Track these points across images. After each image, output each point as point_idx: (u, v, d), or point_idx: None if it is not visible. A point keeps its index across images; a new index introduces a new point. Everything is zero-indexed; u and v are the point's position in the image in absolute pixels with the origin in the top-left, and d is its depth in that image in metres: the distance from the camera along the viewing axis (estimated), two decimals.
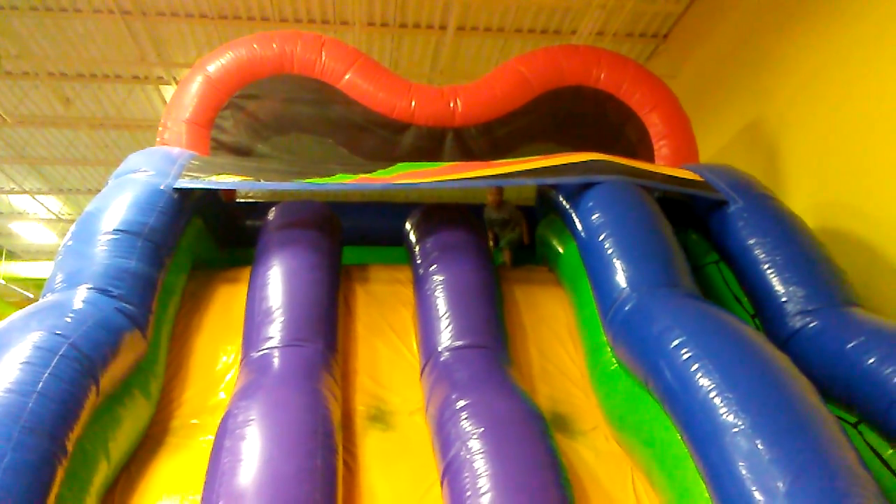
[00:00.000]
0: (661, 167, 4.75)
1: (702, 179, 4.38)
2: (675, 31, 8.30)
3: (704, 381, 2.77)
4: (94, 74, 9.34)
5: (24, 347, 2.80)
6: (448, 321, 3.75)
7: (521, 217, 5.20)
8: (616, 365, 3.57)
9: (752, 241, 3.95)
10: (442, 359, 3.59)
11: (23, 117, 10.20)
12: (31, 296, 16.15)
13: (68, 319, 3.06)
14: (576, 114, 5.45)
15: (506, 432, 2.97)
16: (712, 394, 2.71)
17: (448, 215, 4.63)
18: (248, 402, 3.05)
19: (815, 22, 5.63)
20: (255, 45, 5.16)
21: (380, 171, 4.57)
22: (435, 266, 4.10)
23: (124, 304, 3.40)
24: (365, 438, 3.39)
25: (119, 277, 3.50)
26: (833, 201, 5.16)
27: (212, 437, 2.98)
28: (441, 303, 3.86)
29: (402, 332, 4.06)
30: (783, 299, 3.70)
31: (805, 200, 5.18)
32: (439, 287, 3.95)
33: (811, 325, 3.55)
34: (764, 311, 3.82)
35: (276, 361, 3.44)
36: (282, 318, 3.64)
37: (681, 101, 5.38)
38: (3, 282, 14.28)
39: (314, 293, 3.85)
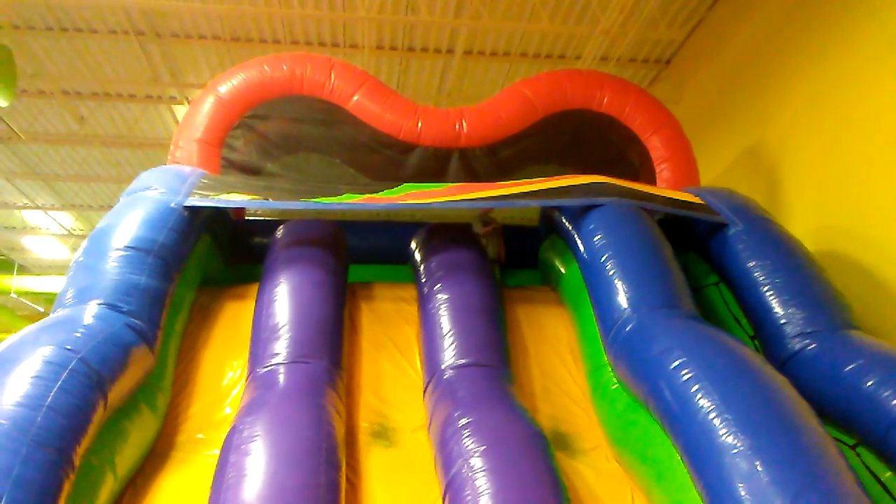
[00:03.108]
0: (662, 190, 4.80)
1: (702, 202, 4.42)
2: (677, 57, 8.41)
3: (704, 402, 2.80)
4: (108, 93, 9.50)
5: (35, 362, 2.84)
6: (451, 339, 3.80)
7: (499, 236, 5.29)
8: (617, 384, 3.60)
9: (751, 264, 3.99)
10: (445, 377, 3.63)
11: (37, 134, 10.36)
12: (42, 310, 16.24)
13: (78, 335, 3.10)
14: (579, 137, 5.51)
15: (508, 451, 3.00)
16: (712, 415, 2.73)
17: (452, 235, 4.69)
18: (253, 417, 3.09)
19: (814, 49, 5.70)
20: (265, 67, 5.24)
21: (386, 190, 4.64)
22: (439, 285, 4.15)
23: (133, 320, 3.45)
24: (368, 455, 3.43)
25: (129, 293, 3.55)
26: (832, 225, 5.20)
27: (217, 452, 3.03)
28: (445, 321, 3.91)
29: (406, 350, 4.11)
30: (782, 321, 3.73)
31: (804, 224, 5.22)
32: (443, 305, 4.00)
33: (810, 347, 3.57)
34: (763, 332, 3.84)
35: (281, 378, 3.49)
36: (288, 335, 3.69)
37: (682, 126, 5.44)
38: (15, 296, 14.38)
39: (320, 310, 3.91)
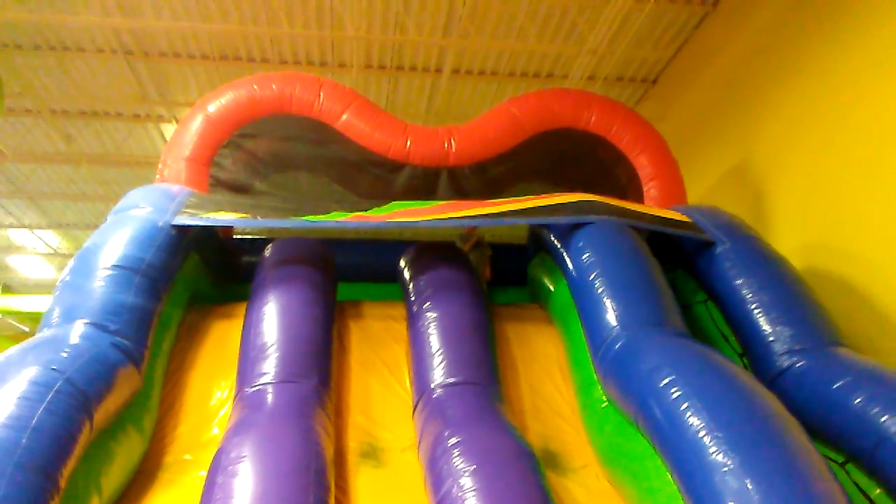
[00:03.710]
0: (650, 208, 4.83)
1: (690, 220, 4.46)
2: (663, 76, 8.50)
3: (694, 420, 2.79)
4: (96, 112, 9.48)
5: (20, 382, 2.82)
6: (441, 358, 3.79)
7: (485, 253, 5.31)
8: (607, 402, 3.60)
9: (739, 282, 4.01)
10: (434, 395, 3.61)
11: (24, 153, 10.30)
12: (27, 329, 16.08)
13: (64, 354, 3.08)
14: (567, 155, 5.54)
15: (498, 470, 2.98)
16: (702, 433, 2.73)
17: (441, 253, 4.69)
18: (240, 438, 3.06)
19: (799, 67, 5.78)
20: (254, 86, 5.25)
21: (375, 208, 4.64)
22: (428, 303, 4.14)
23: (120, 340, 3.43)
24: (357, 475, 3.40)
25: (116, 313, 3.53)
26: (818, 242, 5.24)
27: (205, 473, 2.99)
28: (434, 340, 3.90)
29: (395, 369, 4.10)
30: (770, 339, 3.75)
31: (790, 241, 5.27)
32: (432, 324, 3.99)
33: (798, 364, 3.59)
34: (752, 350, 3.86)
35: (269, 397, 3.46)
36: (276, 354, 3.67)
37: (669, 144, 5.49)
38: (0, 315, 14.25)
39: (309, 329, 3.89)
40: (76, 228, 13.42)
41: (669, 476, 2.90)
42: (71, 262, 3.86)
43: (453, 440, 3.14)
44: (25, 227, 13.31)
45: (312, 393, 3.55)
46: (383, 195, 5.28)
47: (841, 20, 5.29)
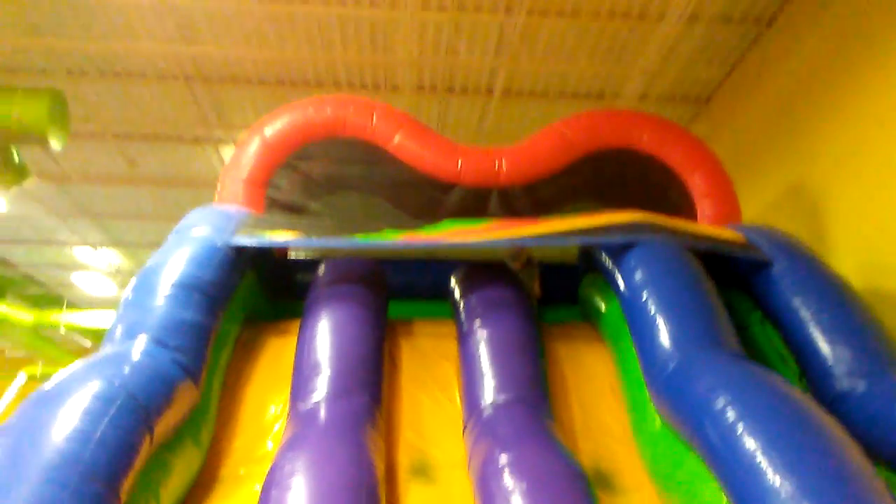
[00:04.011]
0: (704, 227, 4.77)
1: (745, 239, 4.39)
2: (716, 95, 8.39)
3: (749, 443, 2.74)
4: (157, 135, 9.81)
5: (84, 396, 2.92)
6: (492, 376, 3.80)
7: (534, 271, 5.29)
8: (661, 424, 3.55)
9: (797, 302, 3.93)
10: (485, 414, 3.62)
11: (88, 175, 10.71)
12: (89, 344, 16.57)
13: (126, 370, 3.18)
14: (619, 175, 5.50)
15: (548, 489, 2.97)
16: (758, 456, 2.68)
17: (492, 272, 4.72)
18: (294, 453, 3.12)
19: (857, 86, 5.65)
20: (309, 109, 5.37)
21: (426, 227, 4.69)
22: (479, 321, 4.16)
23: (180, 356, 3.52)
24: (408, 492, 3.42)
25: (175, 329, 3.63)
26: (876, 263, 5.09)
27: (259, 488, 3.05)
28: (485, 358, 3.92)
29: (446, 386, 4.11)
30: (830, 361, 3.66)
31: (849, 262, 5.12)
32: (483, 342, 4.01)
33: (859, 387, 3.50)
34: (810, 372, 3.77)
35: (322, 413, 3.52)
36: (329, 371, 3.73)
37: (723, 163, 5.42)
38: (64, 330, 14.75)
39: (360, 347, 3.95)
40: (137, 247, 13.85)
41: (724, 499, 2.84)
42: (133, 281, 3.99)
43: (504, 459, 3.13)
44: (89, 244, 13.78)
45: (364, 410, 3.59)
46: (434, 215, 5.32)
47: None
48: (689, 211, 5.30)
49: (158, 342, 3.53)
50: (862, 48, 5.66)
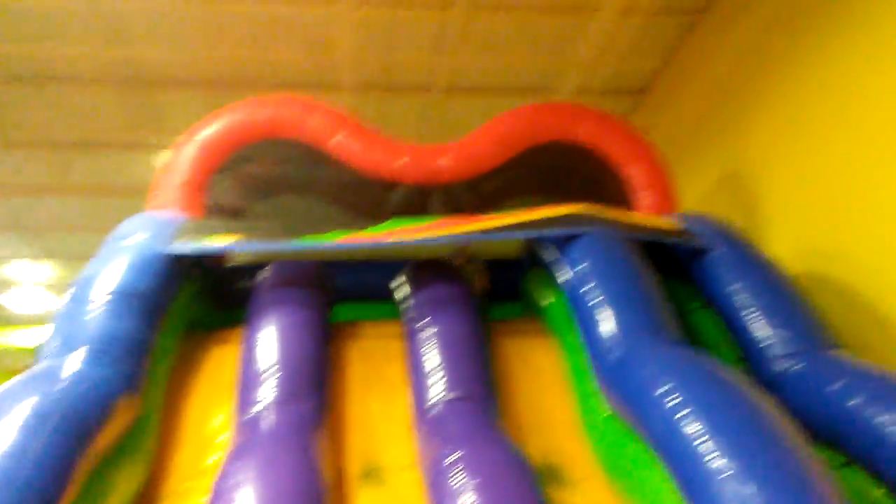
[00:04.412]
0: (643, 217, 4.85)
1: (683, 228, 4.47)
2: (653, 86, 8.54)
3: (693, 427, 2.79)
4: (90, 142, 9.51)
5: (19, 413, 2.82)
6: (440, 375, 3.79)
7: (478, 267, 5.33)
8: (608, 413, 3.59)
9: (733, 287, 4.03)
10: (434, 412, 3.61)
11: (19, 185, 10.33)
12: (29, 363, 15.99)
13: (62, 385, 3.10)
14: (559, 168, 5.57)
15: (499, 485, 2.98)
16: (702, 439, 2.72)
17: (437, 270, 4.71)
18: (239, 463, 3.06)
19: (789, 71, 5.81)
20: (247, 110, 5.29)
21: (370, 227, 4.66)
22: (425, 320, 4.15)
23: (118, 368, 3.43)
24: (358, 496, 3.39)
25: (113, 341, 3.53)
26: (811, 247, 5.26)
27: (205, 501, 2.99)
28: (432, 356, 3.90)
29: (394, 387, 4.08)
30: (767, 343, 3.76)
31: (784, 246, 5.26)
32: (430, 341, 4.00)
33: (795, 367, 3.60)
34: (748, 355, 3.87)
35: (267, 421, 3.46)
36: (273, 378, 3.66)
37: (661, 153, 5.51)
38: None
39: (306, 352, 3.90)
40: (72, 259, 13.42)
41: (671, 484, 2.89)
42: (68, 292, 3.88)
43: (454, 456, 3.13)
44: (23, 258, 13.32)
45: (311, 415, 3.54)
46: (378, 214, 5.29)
47: (831, 23, 5.31)
48: (628, 201, 5.39)
49: (95, 355, 3.43)
50: (793, 35, 5.80)
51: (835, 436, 3.28)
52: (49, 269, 14.12)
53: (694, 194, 6.94)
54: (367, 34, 7.49)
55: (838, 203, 5.06)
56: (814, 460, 2.67)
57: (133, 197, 10.44)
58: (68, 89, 8.27)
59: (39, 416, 2.84)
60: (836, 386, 3.34)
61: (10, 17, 6.99)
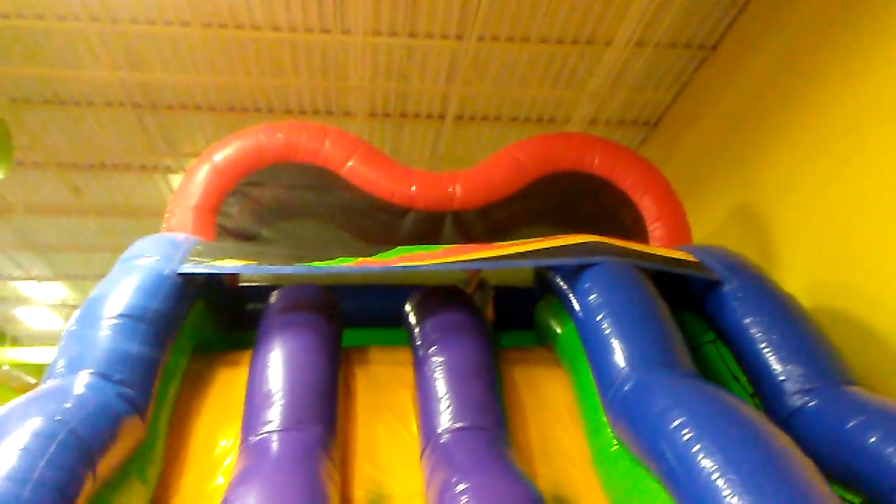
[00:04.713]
0: (656, 248, 4.82)
1: (696, 260, 4.44)
2: (664, 119, 8.58)
3: (706, 463, 2.74)
4: (104, 164, 9.61)
5: (23, 434, 2.78)
6: (448, 403, 3.74)
7: (488, 295, 5.30)
8: (617, 446, 3.53)
9: (747, 321, 3.97)
10: (442, 441, 3.56)
11: (32, 206, 10.41)
12: (34, 381, 16.02)
13: (68, 405, 3.05)
14: (571, 197, 5.55)
15: None
16: (715, 475, 2.67)
17: (447, 297, 4.68)
18: (244, 488, 3.02)
19: (800, 107, 5.82)
20: (260, 135, 5.31)
21: (380, 254, 4.65)
22: (435, 347, 4.11)
23: (125, 389, 3.39)
24: None
25: (121, 362, 3.49)
26: (824, 281, 5.21)
27: None
28: (441, 384, 3.86)
29: (402, 414, 4.04)
30: (781, 378, 3.69)
31: (798, 280, 5.22)
32: (439, 368, 3.96)
33: (811, 404, 3.53)
34: (763, 390, 3.80)
35: (274, 446, 3.41)
36: (281, 402, 3.63)
37: (672, 186, 5.50)
38: (7, 367, 14.25)
39: (314, 376, 3.86)
40: (84, 279, 13.49)
41: None
42: (76, 312, 3.85)
43: (461, 486, 3.08)
44: (33, 278, 13.37)
45: (318, 441, 3.50)
46: (388, 240, 5.28)
47: (841, 60, 5.35)
48: (640, 233, 5.37)
49: (102, 375, 3.39)
50: (802, 73, 5.84)
51: (851, 475, 3.21)
52: (61, 290, 14.18)
53: (706, 227, 6.92)
54: (381, 62, 7.57)
55: (850, 238, 5.03)
56: (830, 499, 2.61)
57: (146, 218, 10.62)
58: (83, 112, 8.37)
59: (43, 437, 2.80)
60: (853, 423, 3.27)
61: (26, 40, 7.11)
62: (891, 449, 3.07)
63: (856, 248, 4.97)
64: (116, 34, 6.98)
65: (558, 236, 4.71)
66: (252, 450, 3.42)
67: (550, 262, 4.47)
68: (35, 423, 2.85)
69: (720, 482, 2.64)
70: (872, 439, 3.16)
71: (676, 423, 2.98)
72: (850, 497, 3.22)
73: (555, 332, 4.60)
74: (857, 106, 5.10)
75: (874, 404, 3.38)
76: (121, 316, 3.70)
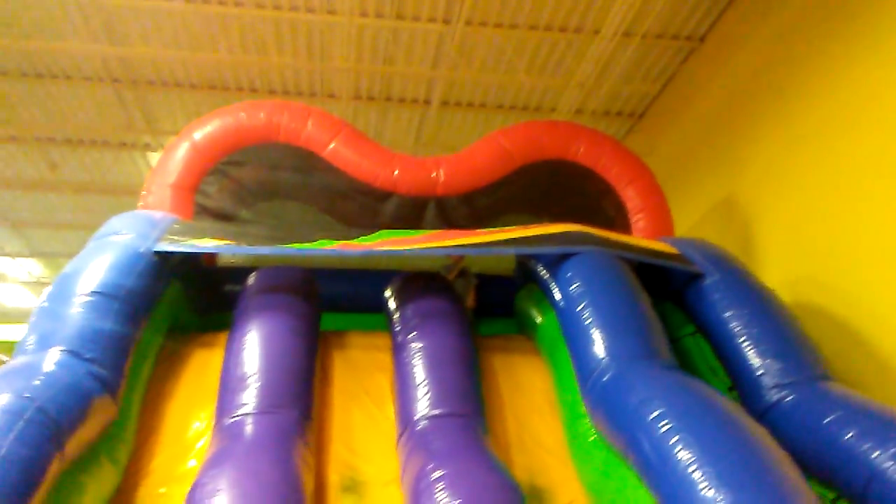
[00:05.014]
0: (638, 239, 4.82)
1: (678, 252, 4.44)
2: (650, 110, 8.58)
3: (683, 455, 2.74)
4: (82, 140, 9.44)
5: None
6: (426, 389, 3.71)
7: (469, 282, 5.29)
8: (595, 436, 3.53)
9: (727, 314, 3.98)
10: (419, 427, 3.54)
11: (7, 180, 10.22)
12: (6, 359, 15.80)
13: (37, 382, 3.00)
14: (555, 186, 5.54)
15: None
16: (691, 467, 2.68)
17: (428, 283, 4.64)
18: (217, 471, 2.98)
19: (785, 100, 5.84)
20: (242, 114, 5.23)
21: (361, 237, 4.60)
22: (414, 333, 4.08)
23: (96, 368, 3.33)
24: None
25: (92, 340, 3.43)
26: (804, 275, 5.24)
27: None
28: (419, 370, 3.83)
29: (380, 400, 4.01)
30: (759, 372, 3.71)
31: (777, 274, 5.25)
32: (418, 354, 3.92)
33: (788, 398, 3.55)
34: (740, 383, 3.82)
35: (248, 429, 3.37)
36: (257, 385, 3.58)
37: (656, 177, 5.50)
38: None
39: (290, 359, 3.81)
40: (59, 257, 13.29)
41: None
42: (49, 288, 3.78)
43: (437, 474, 3.05)
44: (7, 255, 13.16)
45: (293, 424, 3.45)
46: (370, 224, 5.24)
47: (826, 54, 5.36)
48: (622, 224, 5.37)
49: (73, 353, 3.33)
50: (788, 67, 5.85)
51: (827, 469, 3.23)
52: (35, 267, 13.97)
53: (688, 219, 6.93)
54: (367, 44, 7.48)
55: (831, 232, 5.05)
56: (806, 493, 2.62)
57: (123, 196, 10.45)
58: (60, 86, 8.20)
59: (11, 414, 2.75)
60: (830, 419, 3.29)
61: (2, 11, 6.93)
62: (866, 445, 3.09)
63: (836, 244, 5.00)
64: (96, 6, 6.82)
65: (541, 225, 4.69)
66: (226, 432, 3.37)
67: (533, 251, 4.45)
68: (2, 400, 2.80)
69: (697, 474, 2.64)
70: (848, 435, 3.18)
71: (655, 414, 2.98)
72: (824, 492, 3.23)
73: (535, 321, 4.59)
74: (840, 101, 5.12)
75: (851, 400, 3.41)
76: (94, 293, 3.63)
